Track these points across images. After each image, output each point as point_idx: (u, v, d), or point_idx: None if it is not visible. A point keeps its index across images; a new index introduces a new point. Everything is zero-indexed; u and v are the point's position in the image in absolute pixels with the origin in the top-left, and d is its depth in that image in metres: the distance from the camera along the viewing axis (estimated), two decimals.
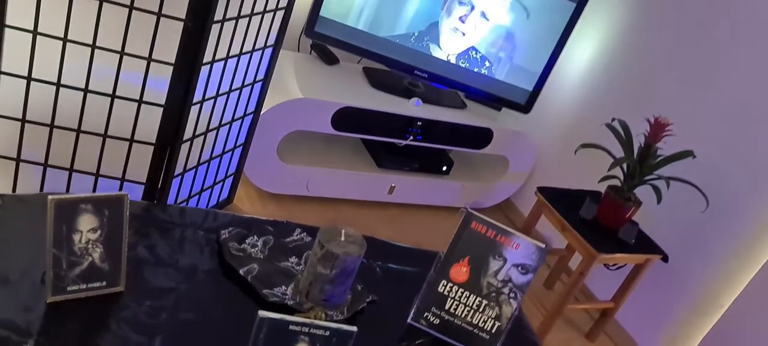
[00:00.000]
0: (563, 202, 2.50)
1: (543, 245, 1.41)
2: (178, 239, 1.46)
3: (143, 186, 1.87)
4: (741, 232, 2.37)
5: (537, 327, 2.47)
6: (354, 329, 1.13)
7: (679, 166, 2.31)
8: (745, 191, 2.36)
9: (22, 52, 1.60)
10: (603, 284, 2.78)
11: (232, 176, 2.33)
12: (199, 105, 1.85)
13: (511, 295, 1.44)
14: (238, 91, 2.04)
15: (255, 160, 2.50)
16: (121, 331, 1.19)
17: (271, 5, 1.96)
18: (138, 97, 1.73)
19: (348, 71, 2.88)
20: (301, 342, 1.11)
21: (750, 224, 2.35)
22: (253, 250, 1.49)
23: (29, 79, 1.64)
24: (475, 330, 1.47)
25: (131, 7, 1.60)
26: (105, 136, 1.77)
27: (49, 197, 1.12)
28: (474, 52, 2.88)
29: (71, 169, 1.80)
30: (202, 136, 1.98)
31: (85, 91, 1.69)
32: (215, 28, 1.73)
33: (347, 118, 2.60)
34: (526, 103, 3.02)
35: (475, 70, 2.91)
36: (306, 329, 1.10)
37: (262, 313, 1.08)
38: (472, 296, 1.45)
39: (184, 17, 1.65)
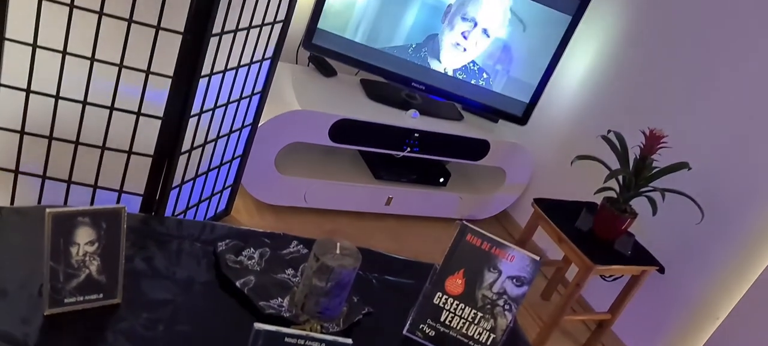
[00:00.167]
0: (559, 213, 2.51)
1: (538, 258, 1.42)
2: (175, 251, 1.47)
3: (141, 197, 1.87)
4: (736, 243, 2.38)
5: (534, 338, 2.48)
6: (349, 341, 1.14)
7: (674, 178, 2.32)
8: (740, 203, 2.38)
9: (21, 65, 1.61)
10: (600, 295, 2.79)
11: (230, 188, 2.33)
12: (197, 117, 1.87)
13: (507, 307, 1.45)
14: (236, 103, 2.05)
15: (253, 172, 2.51)
16: (118, 343, 1.20)
17: (269, 18, 1.97)
18: (136, 110, 1.75)
19: (345, 83, 2.90)
20: None
21: (745, 235, 2.36)
22: (249, 262, 1.50)
23: (28, 91, 1.65)
24: (471, 342, 1.47)
25: (130, 21, 1.62)
26: (103, 148, 1.78)
27: (47, 210, 1.13)
28: (471, 64, 2.89)
29: (69, 181, 1.80)
30: (200, 148, 1.99)
31: (84, 103, 1.70)
32: (213, 40, 1.74)
33: (345, 130, 2.62)
34: (522, 115, 3.04)
35: (472, 82, 2.92)
36: (302, 342, 1.11)
37: (258, 325, 1.08)
38: (467, 308, 1.45)
39: (182, 30, 1.66)
